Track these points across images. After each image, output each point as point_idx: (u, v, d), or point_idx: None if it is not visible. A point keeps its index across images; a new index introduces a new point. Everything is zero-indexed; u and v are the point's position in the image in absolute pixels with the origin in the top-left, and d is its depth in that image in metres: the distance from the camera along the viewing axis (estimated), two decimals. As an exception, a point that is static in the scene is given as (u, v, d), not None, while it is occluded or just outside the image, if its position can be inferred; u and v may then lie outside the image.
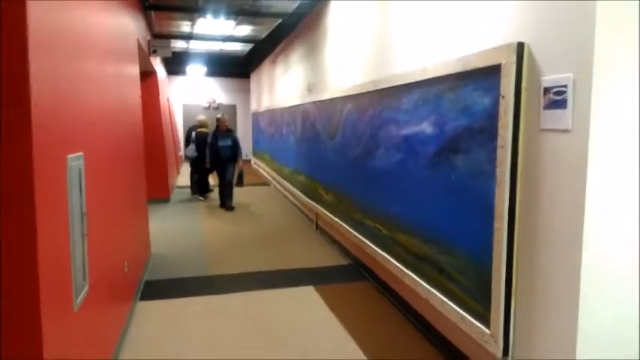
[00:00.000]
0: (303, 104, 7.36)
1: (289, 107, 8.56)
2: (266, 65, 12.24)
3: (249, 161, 15.21)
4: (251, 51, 11.97)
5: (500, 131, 2.50)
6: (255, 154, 14.30)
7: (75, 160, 2.25)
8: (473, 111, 2.80)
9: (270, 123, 11.13)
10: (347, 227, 5.15)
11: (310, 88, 7.18)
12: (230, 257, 5.53)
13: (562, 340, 2.24)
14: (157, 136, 8.78)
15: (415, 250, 3.55)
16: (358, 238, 4.80)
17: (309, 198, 7.06)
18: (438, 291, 3.22)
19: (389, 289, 4.27)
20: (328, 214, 5.93)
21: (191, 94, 16.81)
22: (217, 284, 4.65)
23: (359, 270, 5.02)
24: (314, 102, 6.67)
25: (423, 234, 3.45)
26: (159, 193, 8.68)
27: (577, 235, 2.15)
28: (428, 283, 3.36)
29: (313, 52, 7.09)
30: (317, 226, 6.81)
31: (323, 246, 6.03)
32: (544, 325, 2.36)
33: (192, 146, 9.31)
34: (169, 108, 12.95)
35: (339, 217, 5.49)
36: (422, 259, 3.45)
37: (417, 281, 3.48)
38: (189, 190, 10.02)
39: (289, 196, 8.96)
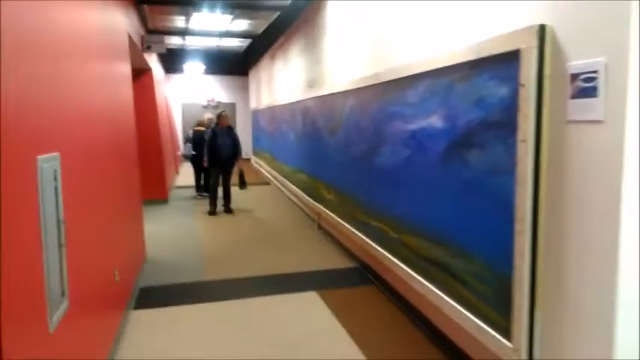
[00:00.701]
0: (304, 100, 7.12)
1: (289, 104, 8.32)
2: (265, 62, 11.99)
3: (248, 160, 14.99)
4: (249, 47, 11.73)
5: (521, 124, 2.26)
6: (256, 152, 14.06)
7: (48, 161, 2.02)
8: (488, 102, 2.56)
9: (270, 121, 10.89)
10: (351, 228, 4.91)
11: (310, 84, 6.93)
12: (229, 261, 5.30)
13: (595, 356, 2.01)
14: (153, 136, 8.55)
15: (425, 253, 3.31)
16: (363, 239, 4.56)
17: (310, 197, 6.82)
18: (450, 298, 2.99)
19: (397, 294, 4.03)
20: (331, 214, 5.69)
21: (190, 93, 16.57)
22: (216, 290, 4.42)
23: (364, 273, 4.79)
24: (314, 98, 6.43)
25: (432, 236, 3.21)
26: (156, 194, 8.45)
27: (612, 239, 1.91)
28: (439, 289, 3.12)
29: (313, 46, 6.84)
30: (319, 226, 6.58)
31: (326, 248, 5.79)
32: (574, 338, 2.12)
33: (188, 145, 9.13)
34: (167, 106, 12.71)
35: (342, 218, 5.25)
36: (432, 262, 3.21)
37: (428, 287, 3.24)
38: (188, 191, 9.83)
39: (290, 195, 8.72)
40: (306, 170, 7.17)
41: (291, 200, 8.64)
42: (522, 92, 2.25)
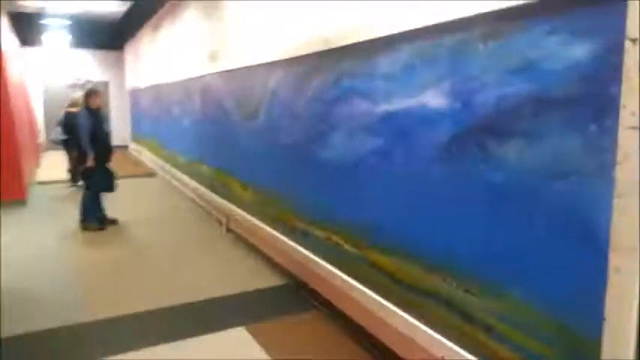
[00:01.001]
0: (204, 76, 5.87)
1: (183, 81, 6.97)
2: (146, 32, 10.28)
3: (125, 147, 13.09)
4: (125, 16, 9.97)
5: (631, 101, 1.44)
6: (136, 139, 12.28)
7: None
8: (544, 69, 1.72)
9: (155, 101, 9.34)
10: (279, 235, 3.91)
11: (214, 56, 5.70)
12: (119, 288, 3.96)
13: None
14: (3, 123, 6.67)
15: (409, 279, 2.44)
16: (298, 251, 3.61)
17: (217, 195, 5.66)
18: (463, 349, 2.15)
19: (349, 321, 3.09)
20: (247, 216, 4.62)
21: (53, 71, 14.01)
22: (105, 337, 3.15)
23: (301, 293, 3.77)
24: (220, 73, 5.24)
25: (426, 258, 2.34)
26: (10, 193, 6.64)
27: None
28: (437, 331, 2.28)
29: (217, 8, 5.58)
30: (228, 229, 5.44)
31: (241, 258, 4.66)
32: None
33: (57, 129, 7.56)
34: (23, 87, 10.43)
35: (265, 222, 4.22)
36: (425, 294, 2.35)
37: (420, 328, 2.38)
38: (55, 188, 8.08)
39: (186, 190, 7.38)
40: (209, 162, 5.96)
41: (188, 196, 7.31)
42: (631, 51, 1.42)
